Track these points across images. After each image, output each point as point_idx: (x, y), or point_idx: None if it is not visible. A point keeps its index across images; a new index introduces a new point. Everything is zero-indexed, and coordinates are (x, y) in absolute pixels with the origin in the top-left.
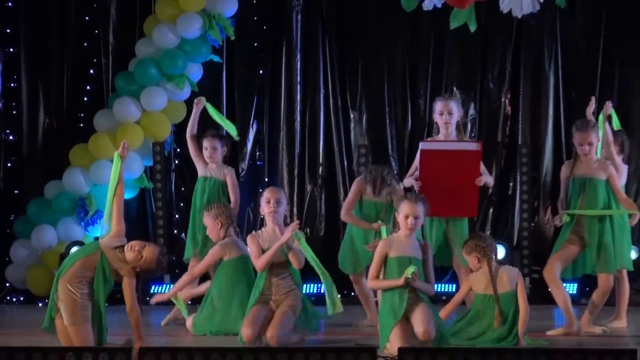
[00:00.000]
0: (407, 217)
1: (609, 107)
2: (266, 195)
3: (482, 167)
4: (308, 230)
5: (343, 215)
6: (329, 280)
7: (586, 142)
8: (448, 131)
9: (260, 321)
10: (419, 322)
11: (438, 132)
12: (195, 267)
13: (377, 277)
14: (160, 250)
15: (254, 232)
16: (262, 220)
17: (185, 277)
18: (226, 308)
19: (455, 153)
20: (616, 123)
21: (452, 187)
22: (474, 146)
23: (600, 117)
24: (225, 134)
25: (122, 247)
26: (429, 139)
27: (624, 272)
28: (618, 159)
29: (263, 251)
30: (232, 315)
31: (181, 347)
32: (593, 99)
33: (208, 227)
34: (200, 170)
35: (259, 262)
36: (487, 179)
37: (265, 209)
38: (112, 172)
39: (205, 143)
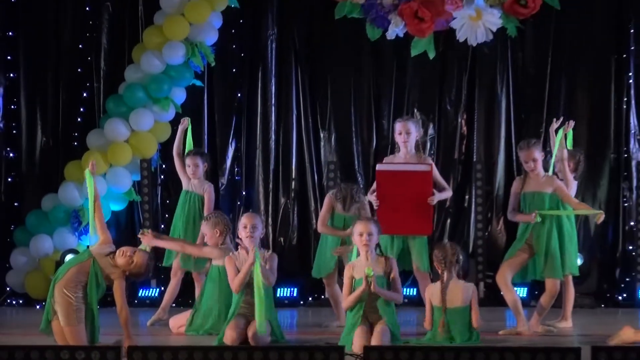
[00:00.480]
0: (361, 234)
1: (570, 125)
2: (243, 220)
3: (443, 182)
4: (282, 239)
5: (319, 228)
6: (263, 305)
7: (530, 159)
8: (407, 149)
9: (241, 328)
10: (374, 337)
11: (399, 150)
12: (190, 246)
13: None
14: (149, 255)
15: (231, 253)
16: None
17: (178, 246)
18: (221, 310)
19: (408, 173)
20: (569, 142)
21: (406, 206)
22: (425, 167)
23: (560, 133)
24: (206, 152)
25: (113, 253)
26: (386, 159)
27: (570, 277)
28: (570, 175)
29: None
30: (223, 316)
31: (166, 346)
32: (555, 120)
33: (207, 235)
34: (184, 184)
35: (233, 285)
36: (446, 194)
37: (242, 233)
38: (88, 189)
39: (188, 161)
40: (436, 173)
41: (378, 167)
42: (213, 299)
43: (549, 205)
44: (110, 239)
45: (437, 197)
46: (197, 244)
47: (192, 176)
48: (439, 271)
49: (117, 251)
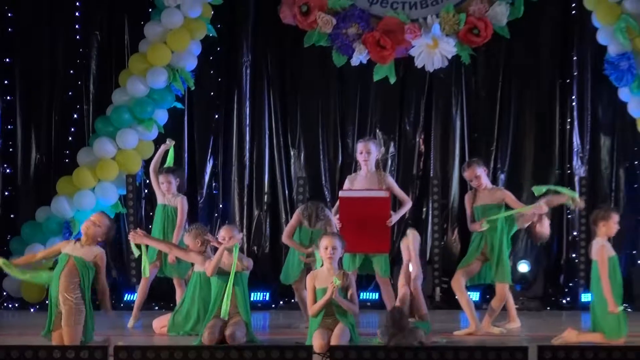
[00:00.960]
0: (326, 248)
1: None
2: (222, 233)
3: (402, 194)
4: (255, 247)
5: (284, 239)
6: (231, 290)
7: (473, 176)
8: (368, 168)
9: (219, 329)
10: (334, 337)
11: (360, 169)
12: (177, 249)
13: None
14: (103, 212)
15: (209, 260)
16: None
17: (165, 247)
18: (200, 312)
19: (368, 199)
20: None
21: (367, 228)
22: (383, 194)
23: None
24: (177, 168)
25: (77, 238)
26: (348, 177)
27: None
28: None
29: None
30: (202, 318)
31: (150, 346)
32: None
33: (190, 245)
34: (159, 199)
35: (209, 268)
36: (404, 209)
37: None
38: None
39: (162, 178)
40: (395, 187)
41: (341, 193)
42: (193, 302)
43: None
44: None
45: (395, 217)
46: (183, 248)
47: (165, 192)
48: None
49: (81, 230)
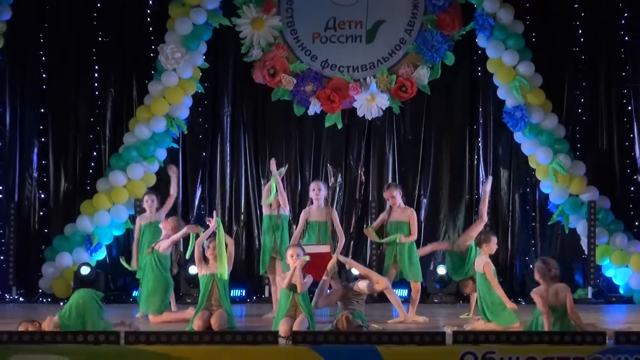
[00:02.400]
0: (292, 256)
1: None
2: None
3: (339, 229)
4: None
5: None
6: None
7: (390, 196)
8: (318, 202)
9: (206, 318)
10: (296, 324)
11: (312, 203)
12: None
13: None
14: None
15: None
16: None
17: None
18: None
19: (317, 254)
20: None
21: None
22: (325, 249)
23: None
24: (155, 190)
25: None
26: (304, 210)
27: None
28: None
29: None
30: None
31: (153, 331)
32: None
33: (168, 228)
34: (144, 220)
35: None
36: (339, 245)
37: (209, 251)
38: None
39: (145, 197)
40: (337, 222)
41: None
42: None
43: (407, 230)
44: None
45: (335, 258)
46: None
47: (148, 209)
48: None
49: None
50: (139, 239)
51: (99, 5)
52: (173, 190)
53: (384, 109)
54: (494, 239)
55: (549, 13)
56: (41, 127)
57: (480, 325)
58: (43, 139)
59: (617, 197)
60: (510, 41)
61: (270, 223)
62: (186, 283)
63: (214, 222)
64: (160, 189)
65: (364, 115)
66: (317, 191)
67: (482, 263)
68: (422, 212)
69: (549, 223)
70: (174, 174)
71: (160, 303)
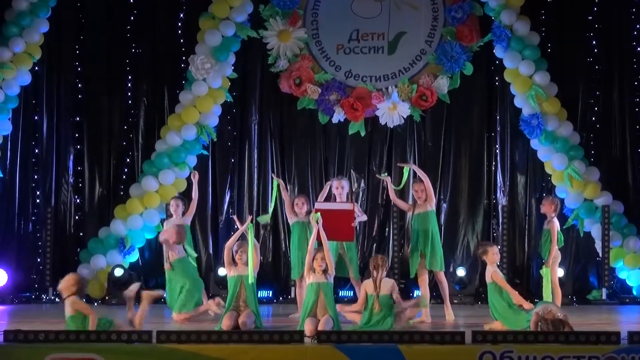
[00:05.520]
0: (315, 259)
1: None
2: (235, 247)
3: (359, 209)
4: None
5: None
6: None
7: (419, 189)
8: (341, 199)
9: (234, 318)
10: (320, 324)
11: (335, 200)
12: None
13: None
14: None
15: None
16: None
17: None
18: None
19: (337, 211)
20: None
21: (337, 225)
22: (348, 206)
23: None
24: (182, 195)
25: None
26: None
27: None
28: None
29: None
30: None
31: (183, 330)
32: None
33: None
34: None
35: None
36: (362, 218)
37: (236, 255)
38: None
39: (172, 202)
40: (359, 209)
41: (316, 205)
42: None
43: (431, 221)
44: None
45: (360, 218)
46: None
47: (174, 214)
48: (375, 271)
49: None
50: None
51: (132, 18)
52: (194, 194)
53: (405, 117)
54: (492, 249)
55: (564, 25)
56: (77, 134)
57: (498, 325)
58: (78, 146)
59: (630, 202)
60: (527, 52)
61: (301, 229)
62: (215, 284)
63: (244, 226)
64: (189, 194)
65: (386, 123)
66: (341, 189)
67: (489, 273)
68: (442, 217)
69: (564, 227)
70: (194, 178)
71: (195, 304)
